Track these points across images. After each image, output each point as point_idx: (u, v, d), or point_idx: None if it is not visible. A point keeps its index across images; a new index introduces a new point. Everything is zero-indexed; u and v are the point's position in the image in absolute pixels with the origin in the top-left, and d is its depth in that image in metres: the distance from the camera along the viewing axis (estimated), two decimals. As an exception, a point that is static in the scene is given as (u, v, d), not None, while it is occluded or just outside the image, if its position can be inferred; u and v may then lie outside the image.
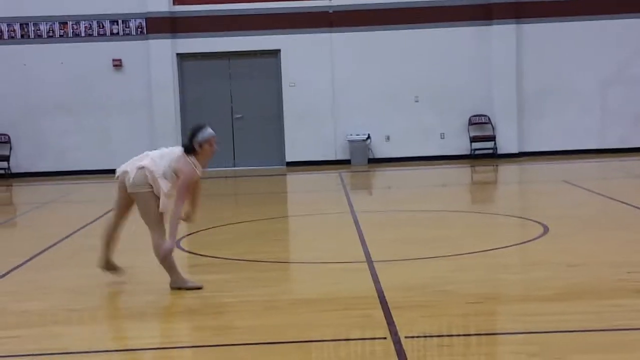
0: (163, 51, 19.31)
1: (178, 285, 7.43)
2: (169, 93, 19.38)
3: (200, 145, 7.28)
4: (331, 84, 19.44)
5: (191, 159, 7.32)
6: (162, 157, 7.39)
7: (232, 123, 19.71)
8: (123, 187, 7.45)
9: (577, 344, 5.54)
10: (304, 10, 19.35)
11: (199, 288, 7.42)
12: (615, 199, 12.04)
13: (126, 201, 7.53)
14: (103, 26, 19.45)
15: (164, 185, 7.24)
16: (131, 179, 7.32)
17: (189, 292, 7.33)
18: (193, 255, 9.25)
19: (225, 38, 19.38)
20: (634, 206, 11.25)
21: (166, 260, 7.40)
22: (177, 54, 19.48)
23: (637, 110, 19.25)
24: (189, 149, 7.31)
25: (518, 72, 19.29)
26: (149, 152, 7.57)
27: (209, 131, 7.36)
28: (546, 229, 9.70)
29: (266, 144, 19.67)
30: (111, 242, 7.82)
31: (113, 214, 7.78)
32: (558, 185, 14.35)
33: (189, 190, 7.42)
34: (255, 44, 19.43)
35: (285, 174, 18.65)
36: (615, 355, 5.27)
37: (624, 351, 5.35)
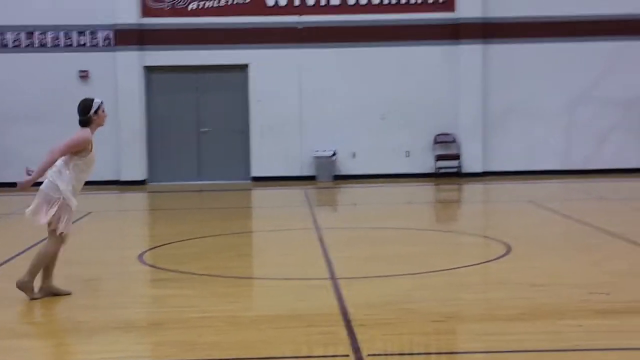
0: (130, 63, 19.23)
1: (23, 287, 7.50)
2: (135, 105, 19.28)
3: (96, 112, 7.84)
4: (298, 100, 19.47)
5: (85, 130, 7.78)
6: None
7: (198, 136, 19.65)
8: None
9: (538, 364, 5.58)
10: (273, 26, 19.39)
11: (36, 298, 7.50)
12: (578, 220, 12.16)
13: None
14: (70, 37, 19.34)
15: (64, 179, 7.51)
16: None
17: (153, 307, 7.27)
18: (156, 269, 9.19)
19: (193, 51, 19.35)
20: (596, 227, 11.36)
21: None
22: (145, 67, 19.41)
23: (601, 132, 19.48)
24: (87, 122, 7.82)
25: (484, 92, 19.46)
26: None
27: (97, 100, 7.98)
28: (509, 249, 9.77)
29: (232, 158, 19.63)
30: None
31: None
32: (522, 205, 14.46)
33: (68, 149, 7.63)
34: (224, 58, 19.41)
35: (251, 189, 18.62)
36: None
37: (584, 372, 5.40)
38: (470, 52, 19.31)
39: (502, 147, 19.54)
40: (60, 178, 7.58)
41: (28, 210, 7.57)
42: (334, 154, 19.38)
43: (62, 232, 7.51)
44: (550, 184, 18.21)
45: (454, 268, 8.80)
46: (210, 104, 19.68)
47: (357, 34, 19.45)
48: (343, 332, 6.32)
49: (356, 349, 5.87)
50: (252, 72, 19.47)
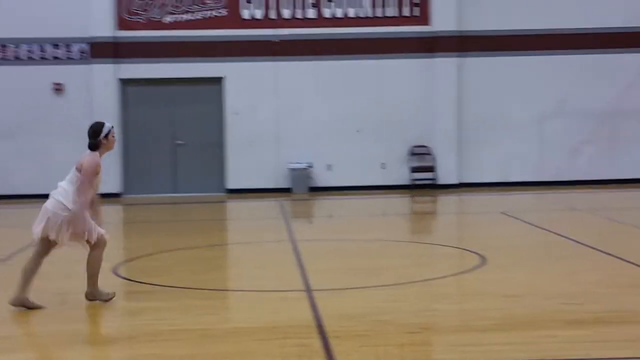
0: (106, 76, 19.17)
1: (92, 297, 7.70)
2: (110, 118, 19.12)
3: (106, 137, 7.93)
4: (274, 113, 19.49)
5: (95, 154, 7.86)
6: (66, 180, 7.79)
7: (173, 149, 19.61)
8: None
9: (511, 375, 5.61)
10: (249, 39, 19.41)
11: (110, 294, 7.80)
12: (551, 231, 12.24)
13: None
14: (45, 50, 19.25)
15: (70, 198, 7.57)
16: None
17: (124, 320, 7.23)
18: (130, 282, 9.14)
19: (169, 64, 19.32)
20: (569, 238, 11.44)
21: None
22: (120, 79, 19.35)
23: (574, 144, 19.65)
24: (96, 146, 7.91)
25: (459, 104, 19.57)
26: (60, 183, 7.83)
27: (108, 124, 8.06)
28: (483, 260, 9.81)
29: (207, 171, 19.59)
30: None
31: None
32: (496, 217, 14.54)
33: (89, 180, 7.69)
34: (199, 71, 19.40)
35: (226, 201, 18.58)
36: (549, 386, 5.35)
37: (558, 382, 5.44)
38: (445, 65, 19.42)
39: (476, 159, 19.64)
40: (67, 197, 7.62)
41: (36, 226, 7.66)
42: (309, 166, 19.40)
43: (96, 239, 7.76)
44: (524, 195, 18.32)
45: (429, 279, 8.83)
46: (185, 117, 19.65)
47: (333, 47, 19.51)
48: (318, 344, 6.32)
49: (331, 361, 5.88)
50: (227, 85, 19.47)
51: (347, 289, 8.43)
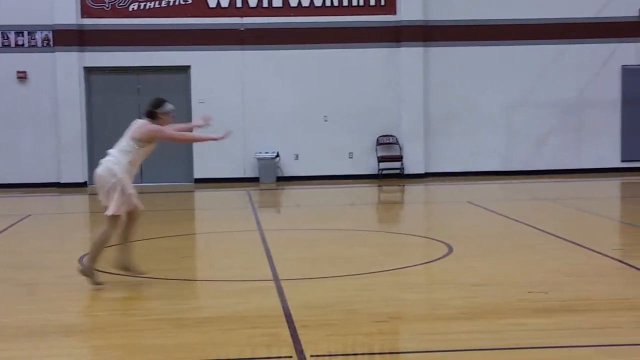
0: (70, 64, 19.00)
1: (86, 274, 7.96)
2: (75, 107, 19.06)
3: (165, 113, 8.24)
4: (241, 102, 19.44)
5: (150, 123, 8.15)
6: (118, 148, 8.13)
7: (140, 138, 19.48)
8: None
9: (479, 363, 5.67)
10: (216, 27, 19.33)
11: (100, 284, 7.93)
12: (517, 221, 12.36)
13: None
14: (8, 37, 19.02)
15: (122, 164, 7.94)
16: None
17: (95, 310, 7.20)
18: (99, 272, 9.08)
19: (134, 53, 19.19)
20: (535, 228, 11.56)
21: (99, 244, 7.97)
22: (85, 68, 19.19)
23: (540, 134, 19.83)
24: (152, 115, 8.16)
25: (425, 94, 19.66)
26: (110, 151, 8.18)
27: (171, 105, 8.41)
28: (450, 249, 9.89)
29: (174, 160, 19.50)
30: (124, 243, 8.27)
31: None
32: (463, 206, 14.64)
33: (147, 147, 8.13)
34: (165, 60, 19.30)
35: (193, 191, 18.53)
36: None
37: (524, 369, 5.51)
38: (411, 54, 19.49)
39: (443, 149, 19.75)
40: (118, 164, 7.94)
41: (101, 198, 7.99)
42: (277, 156, 19.39)
43: (115, 215, 7.89)
44: (490, 185, 18.46)
45: (397, 269, 8.88)
46: (152, 106, 19.50)
47: (299, 36, 19.49)
48: (286, 334, 6.34)
49: (299, 350, 5.89)
50: (194, 74, 19.38)
51: (315, 278, 8.46)
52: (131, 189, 8.00)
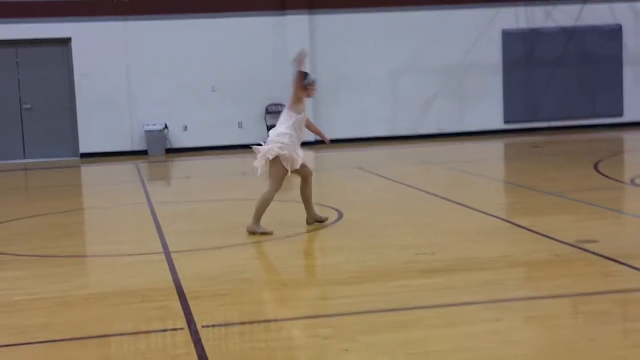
0: (-57, 38, 18.23)
1: (251, 231, 8.83)
2: (-49, 82, 18.32)
3: (310, 84, 9.22)
4: (125, 74, 19.05)
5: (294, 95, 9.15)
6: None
7: (20, 114, 18.91)
8: None
9: (368, 325, 5.75)
10: (96, -2, 18.85)
11: (270, 233, 8.79)
12: (406, 184, 12.57)
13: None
14: None
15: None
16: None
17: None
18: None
19: (11, 25, 18.53)
20: (422, 191, 11.79)
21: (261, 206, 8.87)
22: (-40, 41, 18.46)
23: (426, 99, 20.16)
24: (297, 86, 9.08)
25: (312, 61, 19.66)
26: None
27: (313, 76, 9.44)
28: (340, 215, 9.99)
29: (58, 135, 19.02)
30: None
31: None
32: (352, 172, 14.80)
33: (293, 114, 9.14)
34: (44, 32, 18.71)
35: (80, 166, 18.12)
36: (401, 334, 5.50)
37: (409, 330, 5.60)
38: (297, 22, 19.47)
39: (332, 115, 19.85)
40: (281, 135, 8.84)
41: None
42: (165, 128, 19.13)
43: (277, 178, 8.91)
44: (379, 150, 18.70)
45: (288, 236, 8.92)
46: (32, 80, 18.94)
47: (184, 5, 19.20)
48: (177, 306, 6.30)
49: (190, 322, 5.87)
50: (75, 46, 18.86)
51: (205, 249, 8.42)
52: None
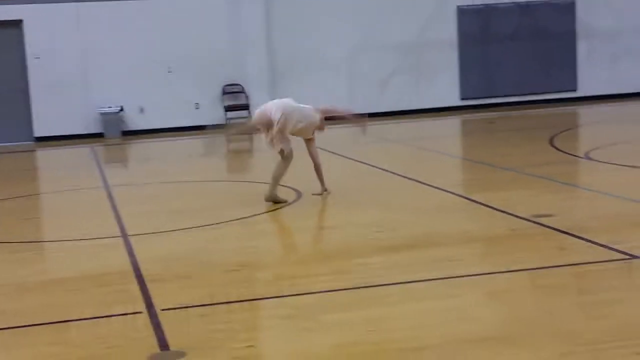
0: None
1: (270, 199, 9.34)
2: None
3: None
4: (80, 56, 18.79)
5: None
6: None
7: (-27, 98, 18.61)
8: None
9: (328, 304, 5.79)
10: (47, -21, 18.54)
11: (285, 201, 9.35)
12: (364, 162, 12.61)
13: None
14: None
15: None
16: None
17: None
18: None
19: (-40, 8, 18.19)
20: (381, 169, 11.84)
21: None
22: None
23: (383, 77, 20.17)
24: None
25: (269, 41, 19.60)
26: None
27: None
28: (300, 194, 10.00)
29: (11, 119, 18.71)
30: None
31: None
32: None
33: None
34: (-5, 14, 18.39)
35: (35, 150, 17.89)
36: (360, 312, 5.54)
37: (368, 308, 5.65)
38: (253, 1, 19.34)
39: (289, 95, 19.59)
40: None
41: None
42: (121, 110, 18.95)
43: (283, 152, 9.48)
44: (337, 129, 18.63)
45: (248, 217, 8.90)
46: (-17, 63, 18.63)
47: (137, -15, 18.98)
48: (136, 289, 6.27)
49: (149, 305, 5.84)
50: (27, 28, 18.56)
51: (164, 232, 8.38)
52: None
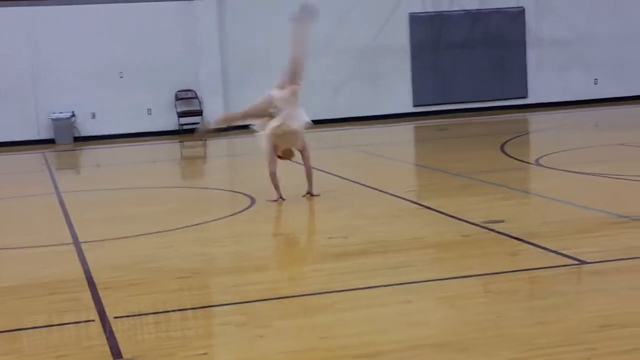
0: None
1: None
2: None
3: None
4: (31, 61, 18.59)
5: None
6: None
7: None
8: None
9: (281, 310, 5.80)
10: (-3, -18, 18.31)
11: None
12: (317, 169, 12.60)
13: None
14: None
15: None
16: None
17: None
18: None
19: None
20: (334, 175, 11.87)
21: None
22: None
23: (337, 82, 20.23)
24: None
25: (222, 47, 19.56)
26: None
27: None
28: (253, 201, 9.99)
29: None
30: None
31: None
32: (263, 157, 14.72)
33: None
34: (-56, 18, 18.12)
35: (-16, 156, 17.65)
36: (314, 319, 5.56)
37: (321, 314, 5.66)
38: (205, 7, 19.31)
39: (243, 101, 19.54)
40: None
41: None
42: (72, 115, 18.76)
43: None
44: (290, 135, 18.64)
45: (200, 224, 8.88)
46: None
47: (90, -10, 18.83)
48: (88, 297, 6.21)
49: (102, 313, 5.80)
50: (-23, 33, 18.33)
51: (116, 239, 8.32)
52: None
